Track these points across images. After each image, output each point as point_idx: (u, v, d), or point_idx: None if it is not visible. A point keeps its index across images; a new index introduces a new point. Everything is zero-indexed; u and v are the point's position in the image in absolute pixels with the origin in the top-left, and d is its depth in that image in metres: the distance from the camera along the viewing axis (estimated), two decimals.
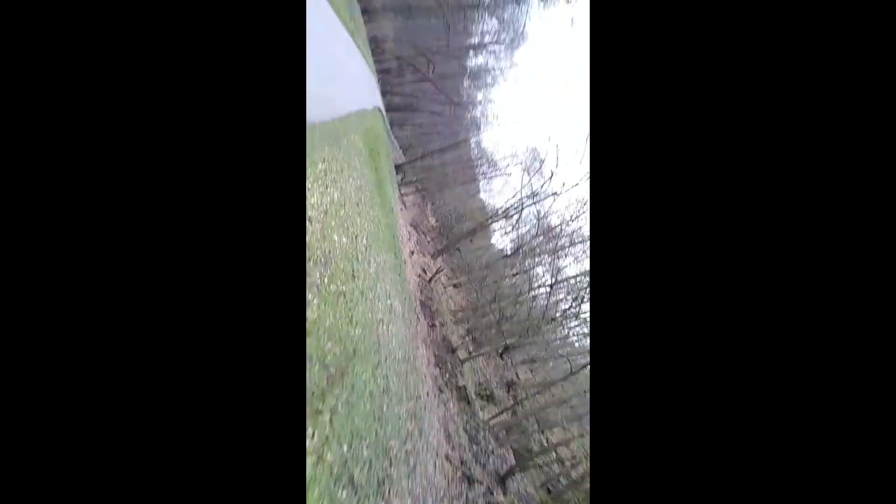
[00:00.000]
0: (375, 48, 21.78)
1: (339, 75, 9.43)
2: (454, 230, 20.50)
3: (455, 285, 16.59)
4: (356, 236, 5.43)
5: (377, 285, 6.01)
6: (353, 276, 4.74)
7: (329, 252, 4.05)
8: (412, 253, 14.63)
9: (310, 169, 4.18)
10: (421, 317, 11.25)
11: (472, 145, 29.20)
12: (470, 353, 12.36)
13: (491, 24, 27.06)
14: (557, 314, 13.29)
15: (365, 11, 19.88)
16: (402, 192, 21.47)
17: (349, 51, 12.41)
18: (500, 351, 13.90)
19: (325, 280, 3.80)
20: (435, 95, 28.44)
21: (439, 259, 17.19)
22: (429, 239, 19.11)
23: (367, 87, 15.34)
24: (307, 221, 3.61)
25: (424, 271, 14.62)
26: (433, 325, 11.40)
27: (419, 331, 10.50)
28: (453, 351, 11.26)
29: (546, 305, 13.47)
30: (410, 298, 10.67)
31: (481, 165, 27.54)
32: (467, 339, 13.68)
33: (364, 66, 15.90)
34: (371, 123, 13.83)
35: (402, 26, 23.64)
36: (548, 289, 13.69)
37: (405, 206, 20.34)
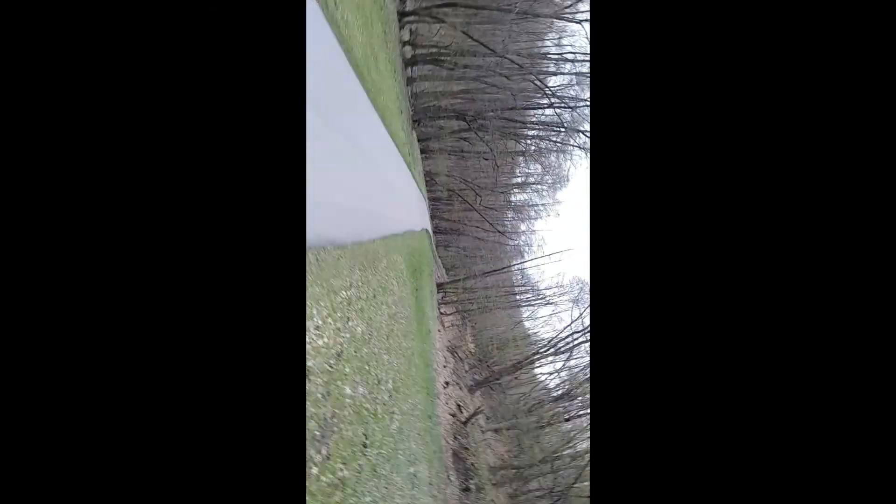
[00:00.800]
0: (429, 181, 23.55)
1: (391, 198, 9.36)
2: (495, 360, 18.31)
3: (495, 430, 13.77)
4: (379, 381, 4.05)
5: (398, 449, 4.29)
6: (365, 447, 3.19)
7: (333, 416, 2.63)
8: (447, 384, 12.60)
9: (327, 299, 3.06)
10: (452, 476, 8.74)
11: (516, 272, 28.62)
12: None
13: (535, 167, 29.17)
14: None
15: (423, 151, 22.14)
16: (442, 311, 20.38)
17: (404, 178, 12.89)
18: None
19: (317, 466, 2.30)
20: (480, 223, 29.50)
21: (478, 394, 14.81)
22: (467, 368, 16.97)
23: (418, 210, 15.71)
24: (306, 376, 2.32)
25: (460, 408, 12.30)
26: (467, 490, 8.75)
27: (449, 500, 7.96)
28: None
29: None
30: (440, 448, 8.43)
31: (525, 293, 26.41)
32: None
33: (417, 193, 16.63)
34: (418, 243, 13.57)
35: (454, 164, 25.94)
36: None
37: (443, 327, 18.94)
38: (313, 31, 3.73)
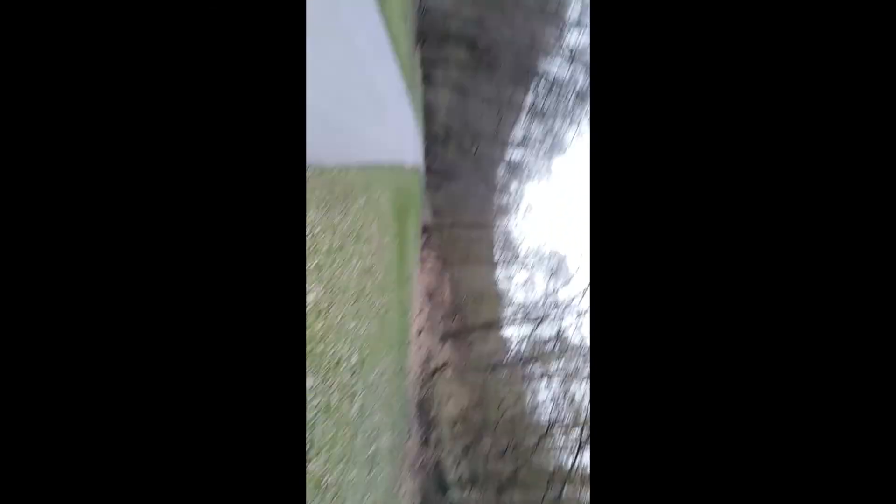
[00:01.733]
0: (427, 113, 21.26)
1: (383, 118, 7.68)
2: (468, 312, 17.68)
3: (460, 383, 13.36)
4: (338, 361, 2.88)
5: (356, 436, 3.24)
6: (308, 460, 2.03)
7: None
8: (419, 332, 11.80)
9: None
10: (413, 428, 8.09)
11: (500, 230, 27.53)
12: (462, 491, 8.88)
13: (536, 127, 26.98)
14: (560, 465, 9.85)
15: (426, 78, 19.64)
16: (424, 254, 19.34)
17: (401, 100, 10.99)
18: (497, 488, 10.23)
19: None
20: (473, 171, 27.74)
21: (447, 344, 14.21)
22: (440, 316, 16.28)
23: (412, 142, 13.88)
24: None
25: (428, 360, 11.63)
26: (426, 442, 8.16)
27: (408, 452, 7.32)
28: (444, 491, 7.88)
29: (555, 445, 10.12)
30: (405, 401, 7.65)
31: (506, 252, 25.53)
32: (462, 466, 10.16)
33: (412, 122, 14.69)
34: (406, 181, 11.99)
35: (455, 102, 23.51)
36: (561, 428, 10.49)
37: (423, 269, 17.98)
38: None
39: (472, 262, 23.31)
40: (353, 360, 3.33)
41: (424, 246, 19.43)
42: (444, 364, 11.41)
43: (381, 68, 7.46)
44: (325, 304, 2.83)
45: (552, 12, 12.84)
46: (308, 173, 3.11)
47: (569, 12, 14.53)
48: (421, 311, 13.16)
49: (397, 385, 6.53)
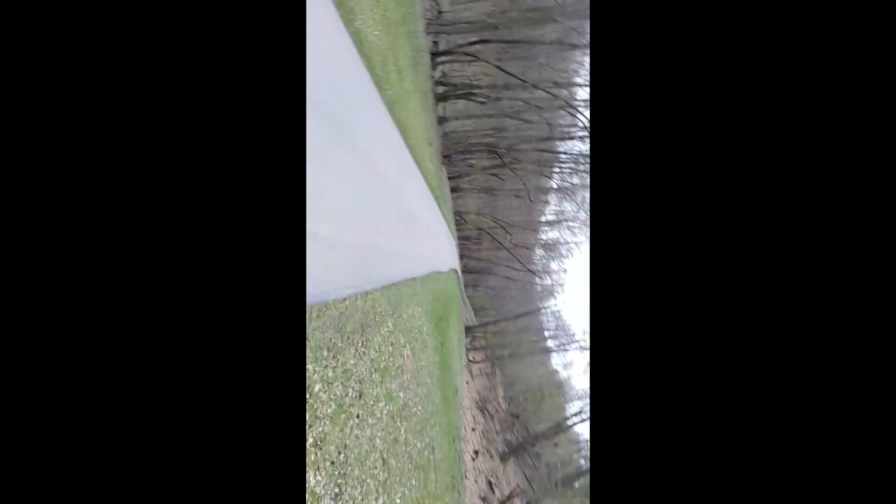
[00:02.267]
0: (458, 219, 22.23)
1: (414, 234, 7.87)
2: (529, 416, 15.72)
3: None
4: None
5: None
6: None
7: None
8: (476, 454, 10.31)
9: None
10: None
11: (548, 314, 26.08)
12: None
13: (568, 204, 27.40)
14: None
15: (453, 190, 21.02)
16: (471, 357, 18.23)
17: (432, 213, 11.47)
18: None
19: None
20: (510, 262, 27.65)
21: (511, 463, 12.28)
22: (498, 428, 14.48)
23: (447, 249, 14.15)
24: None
25: (492, 487, 9.91)
26: None
27: None
28: None
29: None
30: None
31: (558, 337, 23.73)
32: None
33: (446, 230, 15.17)
34: (445, 285, 11.85)
35: (484, 202, 24.63)
36: None
37: (472, 377, 16.71)
38: (341, 61, 3.19)
39: (524, 355, 21.59)
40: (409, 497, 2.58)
41: (470, 349, 18.48)
42: (512, 494, 9.60)
43: (410, 189, 7.90)
44: (362, 458, 2.29)
45: (564, 102, 13.75)
46: (347, 301, 2.87)
47: (579, 94, 15.46)
48: (475, 427, 11.74)
49: None
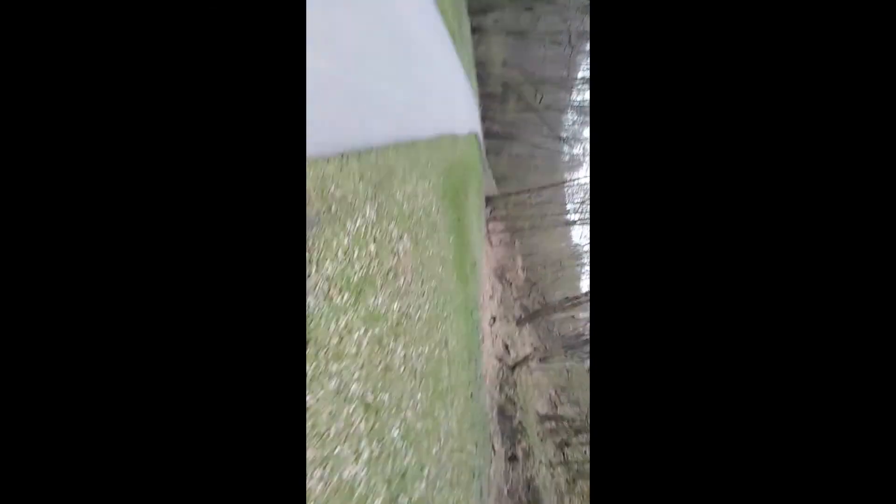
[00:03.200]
0: (480, 72, 18.73)
1: (427, 86, 6.03)
2: (547, 287, 15.85)
3: (544, 369, 11.90)
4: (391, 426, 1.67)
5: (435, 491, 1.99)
6: None
7: None
8: (493, 320, 10.47)
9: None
10: (497, 443, 6.94)
11: (575, 186, 24.27)
12: None
13: None
14: None
15: (475, 30, 17.03)
16: (490, 227, 17.75)
17: (448, 60, 9.07)
18: None
19: None
20: (537, 126, 24.58)
21: (526, 327, 12.72)
22: (515, 296, 14.75)
23: (465, 107, 11.94)
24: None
25: (507, 349, 10.32)
26: (514, 458, 6.99)
27: (492, 474, 6.22)
28: None
29: None
30: (485, 418, 6.49)
31: (581, 210, 22.48)
32: (564, 469, 8.87)
33: (465, 84, 12.62)
34: (463, 152, 10.27)
35: (512, 50, 20.43)
36: None
37: (491, 245, 16.45)
38: None
39: (547, 227, 20.95)
40: (411, 419, 2.06)
41: (490, 219, 17.75)
42: (526, 357, 10.01)
43: (423, 26, 5.75)
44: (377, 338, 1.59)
45: None
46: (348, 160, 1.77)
47: None
48: (492, 295, 11.77)
49: (472, 408, 5.32)
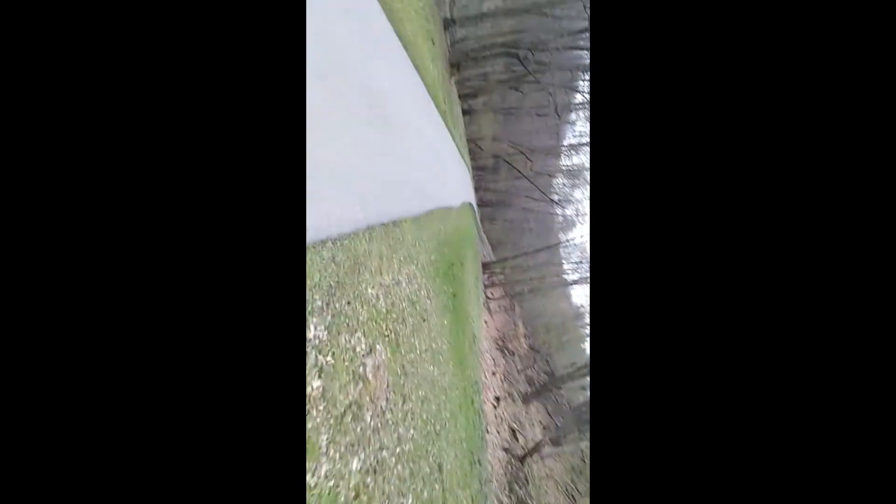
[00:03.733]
0: (472, 147, 19.61)
1: (421, 165, 5.94)
2: (552, 353, 14.83)
3: (559, 453, 10.49)
4: None
5: None
6: None
7: None
8: (497, 401, 9.42)
9: None
10: None
11: (570, 246, 24.22)
12: None
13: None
14: None
15: (466, 112, 18.13)
16: (489, 293, 17.14)
17: (438, 136, 9.28)
18: None
19: None
20: (529, 192, 25.23)
21: (534, 405, 11.53)
22: (519, 367, 13.68)
23: (459, 180, 12.10)
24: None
25: (515, 435, 9.12)
26: None
27: None
28: None
29: None
30: None
31: (580, 269, 22.13)
32: None
33: (457, 157, 12.96)
34: (457, 222, 10.09)
35: (502, 125, 21.67)
36: None
37: (491, 312, 15.70)
38: None
39: (546, 289, 20.35)
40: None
41: (488, 286, 17.25)
42: (537, 445, 8.79)
43: (415, 108, 5.80)
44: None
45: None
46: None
47: None
48: (495, 371, 10.80)
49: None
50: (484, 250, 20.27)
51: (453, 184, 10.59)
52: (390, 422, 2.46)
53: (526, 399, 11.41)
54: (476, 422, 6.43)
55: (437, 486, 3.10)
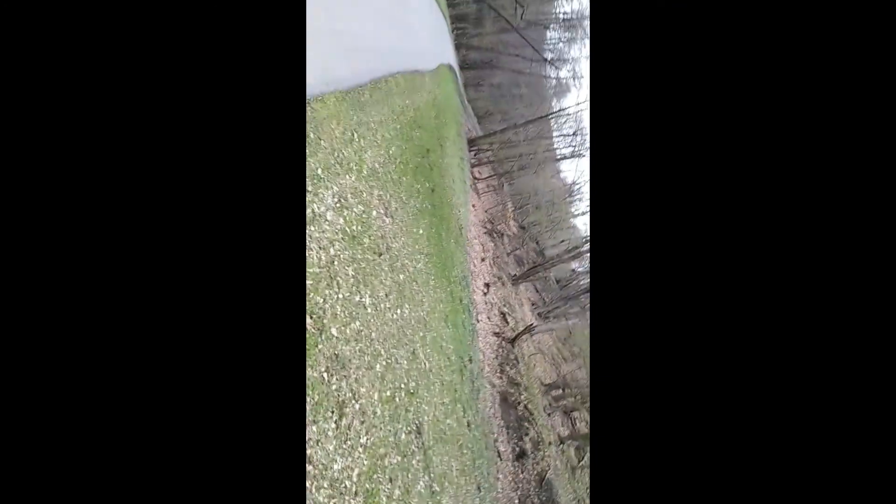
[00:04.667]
0: None
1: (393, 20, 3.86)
2: (542, 232, 14.42)
3: (548, 329, 10.86)
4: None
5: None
6: None
7: None
8: (487, 287, 9.16)
9: None
10: (501, 443, 5.97)
11: (563, 116, 21.62)
12: None
13: None
14: None
15: None
16: (476, 174, 15.81)
17: None
18: None
19: None
20: (519, 50, 21.25)
21: (522, 286, 11.49)
22: (508, 249, 13.31)
23: (435, 36, 9.38)
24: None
25: (505, 318, 9.13)
26: (521, 455, 6.09)
27: (500, 486, 5.31)
28: None
29: None
30: (482, 418, 5.43)
31: (573, 142, 20.19)
32: (573, 444, 8.15)
33: (436, 12, 9.88)
34: (435, 89, 8.07)
35: None
36: None
37: (478, 195, 14.69)
38: None
39: (536, 166, 18.85)
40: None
41: (475, 164, 15.67)
42: (528, 328, 8.83)
43: None
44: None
45: None
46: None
47: None
48: (484, 256, 10.31)
49: (468, 402, 4.11)
50: (469, 123, 17.94)
51: (424, 39, 8.10)
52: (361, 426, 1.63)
53: (515, 281, 11.28)
54: (465, 321, 6.02)
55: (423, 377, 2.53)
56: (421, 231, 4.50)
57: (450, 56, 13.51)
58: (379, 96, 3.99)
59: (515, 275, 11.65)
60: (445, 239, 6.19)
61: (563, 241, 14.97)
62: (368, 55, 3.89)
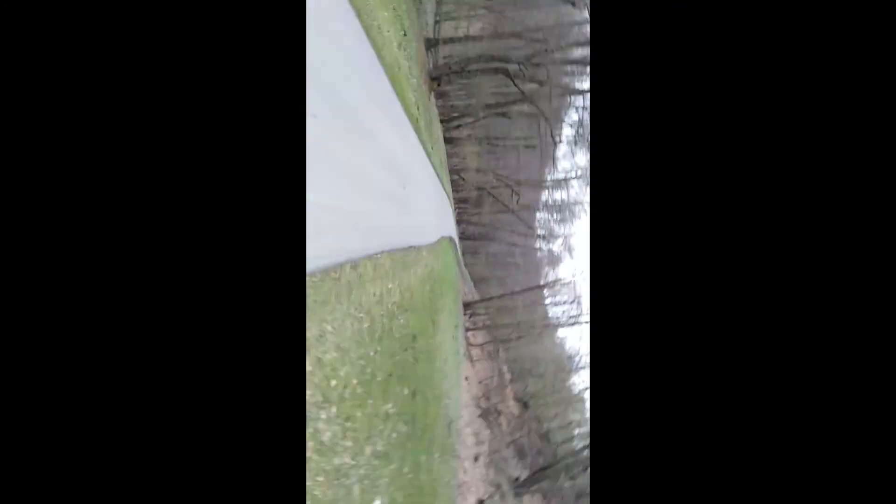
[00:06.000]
0: (454, 179, 17.74)
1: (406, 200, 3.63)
2: (548, 411, 12.24)
3: None
4: None
5: None
6: None
7: None
8: None
9: None
10: None
11: (557, 285, 22.08)
12: None
13: (584, 158, 22.29)
14: None
15: (448, 141, 16.38)
16: (471, 340, 14.61)
17: (425, 172, 7.13)
18: None
19: None
20: (514, 225, 23.41)
21: (527, 499, 8.75)
22: (508, 437, 10.92)
23: (438, 213, 9.89)
24: None
25: None
26: None
27: None
28: None
29: None
30: None
31: (571, 310, 19.88)
32: None
33: (440, 192, 10.85)
34: (433, 262, 7.76)
35: (487, 156, 20.08)
36: None
37: (472, 362, 13.12)
38: None
39: (535, 334, 17.83)
40: None
41: (469, 327, 14.76)
42: None
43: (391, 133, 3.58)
44: None
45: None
46: None
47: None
48: (478, 455, 8.10)
49: None
50: (466, 287, 17.95)
51: (428, 215, 8.30)
52: None
53: (518, 488, 8.64)
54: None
55: None
56: (393, 465, 3.04)
57: (451, 229, 14.36)
58: (368, 275, 3.21)
59: (518, 478, 9.05)
60: (429, 448, 4.57)
61: (570, 422, 12.57)
62: (371, 230, 3.34)
